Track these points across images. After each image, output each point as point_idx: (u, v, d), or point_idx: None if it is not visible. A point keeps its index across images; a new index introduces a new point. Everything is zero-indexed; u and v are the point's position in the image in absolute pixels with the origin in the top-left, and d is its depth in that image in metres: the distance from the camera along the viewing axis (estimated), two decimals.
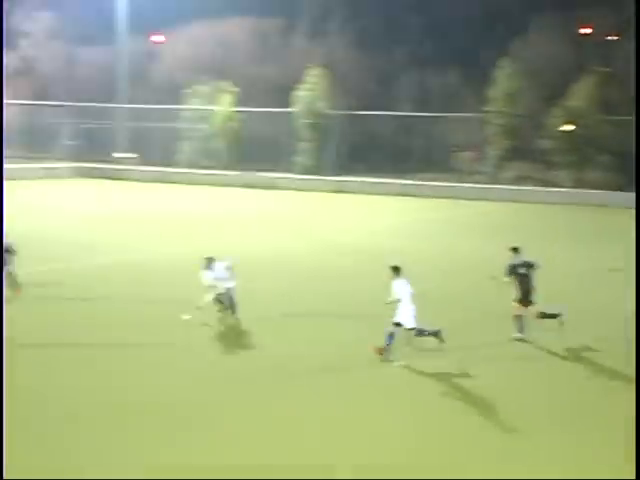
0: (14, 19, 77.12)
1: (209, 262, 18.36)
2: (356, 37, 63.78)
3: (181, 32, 69.94)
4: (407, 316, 15.87)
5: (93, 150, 62.16)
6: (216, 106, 58.66)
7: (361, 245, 30.52)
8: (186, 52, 68.28)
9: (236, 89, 58.37)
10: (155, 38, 73.47)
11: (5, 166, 55.65)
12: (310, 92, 56.17)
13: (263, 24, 68.08)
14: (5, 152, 60.56)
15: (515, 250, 17.89)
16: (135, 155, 60.33)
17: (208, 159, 58.71)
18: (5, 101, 67.78)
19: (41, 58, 75.38)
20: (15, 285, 19.99)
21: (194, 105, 59.61)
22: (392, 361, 15.80)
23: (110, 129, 64.04)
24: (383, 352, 15.97)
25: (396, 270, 16.24)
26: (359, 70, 62.46)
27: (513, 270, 17.58)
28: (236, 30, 68.25)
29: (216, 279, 18.22)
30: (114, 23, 63.33)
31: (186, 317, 18.08)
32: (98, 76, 68.42)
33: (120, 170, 58.08)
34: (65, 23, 71.63)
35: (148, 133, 61.80)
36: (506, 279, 17.67)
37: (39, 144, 63.02)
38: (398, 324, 15.84)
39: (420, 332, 16.33)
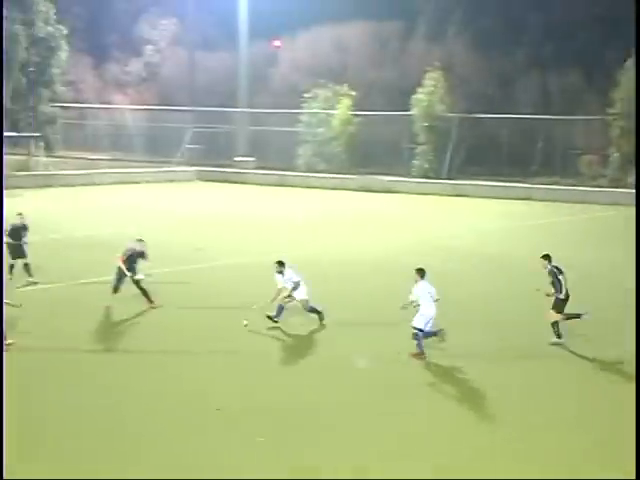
0: (139, 27, 79.25)
1: (280, 266, 18.40)
2: (475, 39, 62.93)
3: (301, 36, 70.47)
4: (419, 318, 16.15)
5: (214, 154, 63.24)
6: (334, 110, 58.88)
7: (472, 249, 30.14)
8: (305, 56, 68.73)
9: (354, 93, 58.48)
10: (275, 43, 74.30)
11: (129, 170, 57.42)
12: (428, 95, 55.75)
13: (382, 28, 67.92)
14: (125, 156, 62.35)
15: (547, 257, 17.59)
16: (254, 158, 61.09)
17: (325, 163, 58.96)
18: (131, 106, 69.78)
19: (164, 64, 77.18)
20: (146, 294, 19.85)
21: (313, 109, 59.94)
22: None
23: (230, 133, 65.04)
24: (421, 356, 16.24)
25: (420, 272, 16.54)
26: (478, 72, 61.61)
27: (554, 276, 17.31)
28: (355, 34, 68.33)
29: (287, 282, 18.22)
30: (235, 29, 64.30)
31: (245, 322, 18.16)
32: (220, 81, 69.59)
33: (239, 173, 58.87)
34: (188, 29, 73.08)
35: (267, 137, 62.48)
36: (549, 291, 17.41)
37: (162, 148, 64.48)
38: (418, 328, 16.18)
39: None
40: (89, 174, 54.68)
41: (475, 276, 25.27)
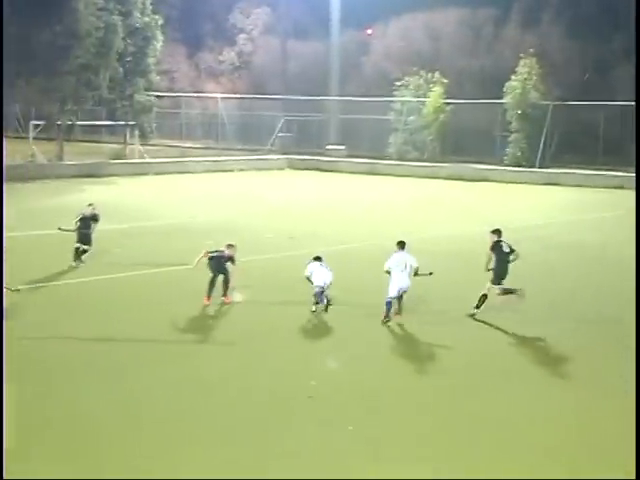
0: (233, 16, 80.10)
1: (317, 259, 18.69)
2: (571, 25, 61.86)
3: (392, 24, 70.30)
4: (392, 287, 17.25)
5: (305, 142, 63.63)
6: (426, 98, 58.62)
7: (565, 238, 29.78)
8: (397, 44, 68.57)
9: (446, 80, 58.14)
10: (367, 31, 74.27)
11: (221, 158, 58.17)
12: (522, 82, 55.08)
13: (475, 15, 67.35)
14: (214, 144, 63.05)
15: (496, 232, 18.39)
16: (344, 147, 61.25)
17: (416, 151, 58.80)
18: (223, 95, 70.55)
19: (257, 53, 77.85)
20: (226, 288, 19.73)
21: (404, 97, 59.78)
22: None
23: (321, 121, 65.30)
24: (385, 319, 17.48)
25: (400, 244, 17.68)
26: (573, 59, 60.60)
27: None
28: (447, 21, 67.89)
29: (314, 272, 18.37)
30: (327, 17, 64.50)
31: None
32: (311, 69, 69.92)
33: (330, 162, 59.08)
34: (280, 18, 73.58)
35: (358, 125, 62.56)
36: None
37: (253, 136, 65.12)
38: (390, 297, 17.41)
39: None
40: (182, 162, 55.55)
41: (572, 266, 25.03)
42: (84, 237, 23.01)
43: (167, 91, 65.57)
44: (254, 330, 17.35)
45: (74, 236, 23.02)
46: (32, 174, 46.06)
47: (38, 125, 53.32)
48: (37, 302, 19.36)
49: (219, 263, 19.15)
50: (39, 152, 51.24)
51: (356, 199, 42.11)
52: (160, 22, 56.03)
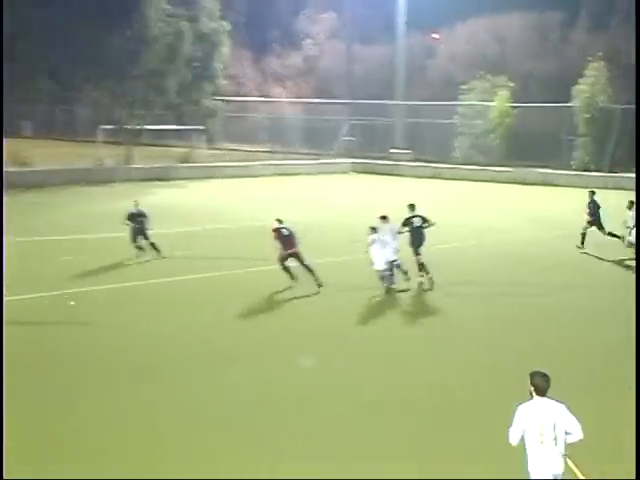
0: (299, 22, 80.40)
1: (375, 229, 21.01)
2: None
3: (458, 28, 69.86)
4: (377, 259, 19.55)
5: (370, 146, 63.52)
6: (491, 102, 58.14)
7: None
8: (463, 48, 68.10)
9: (512, 84, 57.61)
10: (433, 35, 73.93)
11: (287, 162, 58.37)
12: (590, 86, 54.32)
13: (542, 18, 66.55)
14: (274, 147, 63.21)
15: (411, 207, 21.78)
16: (409, 151, 61.02)
17: (482, 155, 58.31)
18: (289, 99, 70.78)
19: (323, 57, 77.99)
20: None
21: (470, 101, 59.36)
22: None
23: (387, 125, 65.12)
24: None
25: (383, 218, 20.63)
26: None
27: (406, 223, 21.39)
28: (513, 25, 67.17)
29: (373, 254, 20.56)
30: (393, 22, 64.34)
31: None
32: (376, 73, 69.81)
33: (395, 165, 58.89)
34: (346, 23, 73.62)
35: (423, 129, 62.23)
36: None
37: (319, 140, 65.20)
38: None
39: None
40: (249, 166, 55.82)
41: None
42: (138, 232, 24.36)
43: (234, 95, 65.89)
44: (326, 332, 17.37)
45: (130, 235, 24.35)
46: (101, 178, 46.72)
47: (107, 129, 54.08)
48: (110, 301, 19.65)
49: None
50: (108, 156, 51.95)
51: (422, 202, 41.73)
52: (227, 28, 56.44)
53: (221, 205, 38.47)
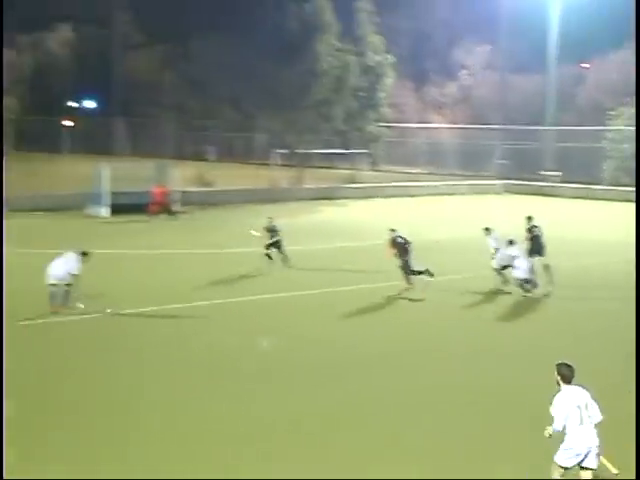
0: (455, 53, 79.95)
1: (488, 231, 23.10)
2: None
3: (607, 57, 67.77)
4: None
5: (521, 168, 62.46)
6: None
7: None
8: (611, 75, 66.00)
9: None
10: (584, 65, 72.07)
11: (443, 183, 58.01)
12: None
13: None
14: (431, 170, 62.91)
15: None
16: (559, 173, 59.66)
17: (629, 177, 56.26)
18: (446, 125, 70.41)
19: (478, 87, 77.27)
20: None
21: (617, 126, 57.50)
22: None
23: (537, 149, 63.92)
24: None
25: (486, 230, 22.29)
26: None
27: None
28: None
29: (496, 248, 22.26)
30: (545, 52, 63.21)
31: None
32: (528, 101, 68.68)
33: (545, 187, 57.65)
34: (500, 54, 72.67)
35: (572, 152, 60.67)
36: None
37: (473, 163, 64.68)
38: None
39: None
40: (408, 186, 55.82)
41: None
42: (272, 244, 25.06)
43: (395, 122, 66.15)
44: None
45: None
46: (275, 197, 47.79)
47: (281, 153, 55.38)
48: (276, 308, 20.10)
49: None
50: (281, 177, 53.17)
51: (575, 221, 40.80)
52: (391, 60, 56.93)
53: (381, 222, 38.47)
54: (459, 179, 60.59)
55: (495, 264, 22.18)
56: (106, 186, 38.41)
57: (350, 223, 38.22)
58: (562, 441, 9.64)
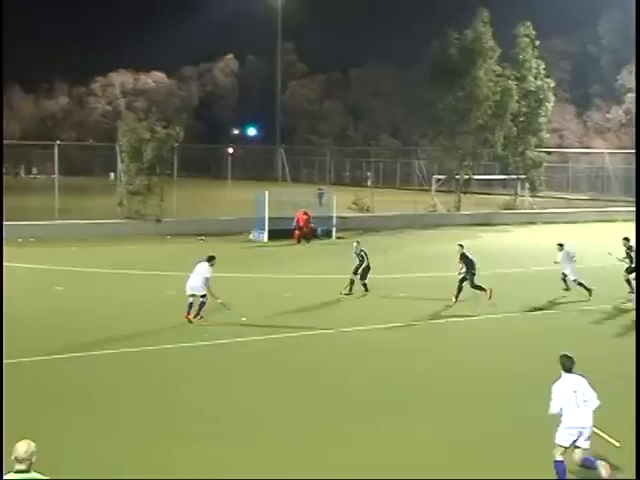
0: (621, 77, 77.49)
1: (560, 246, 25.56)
2: None
3: None
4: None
5: None
6: None
7: None
8: None
9: None
10: None
11: (606, 209, 56.07)
12: None
13: None
14: (595, 195, 60.82)
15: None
16: None
17: None
18: (610, 150, 68.15)
19: None
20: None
21: None
22: None
23: None
24: None
25: (560, 245, 24.61)
26: None
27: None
28: None
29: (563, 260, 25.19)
30: None
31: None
32: None
33: None
34: None
35: None
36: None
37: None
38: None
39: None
40: (568, 213, 54.39)
41: None
42: (358, 270, 24.98)
43: (556, 147, 64.74)
44: None
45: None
46: (433, 222, 47.63)
47: (439, 179, 55.20)
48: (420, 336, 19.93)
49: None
50: (439, 203, 52.93)
51: None
52: (552, 85, 55.85)
53: (541, 248, 37.66)
54: (622, 205, 58.41)
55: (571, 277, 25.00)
56: (266, 212, 39.32)
57: (510, 249, 37.56)
58: (560, 423, 10.72)
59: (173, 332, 19.20)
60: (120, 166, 42.65)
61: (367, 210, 49.74)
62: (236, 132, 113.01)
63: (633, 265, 24.65)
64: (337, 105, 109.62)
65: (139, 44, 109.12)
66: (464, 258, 23.59)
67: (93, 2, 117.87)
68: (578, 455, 10.75)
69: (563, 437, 10.72)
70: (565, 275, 25.36)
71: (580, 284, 24.57)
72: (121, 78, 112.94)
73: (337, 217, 42.01)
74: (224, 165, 53.96)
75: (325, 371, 16.41)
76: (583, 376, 10.86)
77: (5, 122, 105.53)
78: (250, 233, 39.47)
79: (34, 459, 7.65)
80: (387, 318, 21.22)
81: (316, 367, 16.72)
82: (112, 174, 46.01)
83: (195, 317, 20.08)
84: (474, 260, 23.66)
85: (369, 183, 65.15)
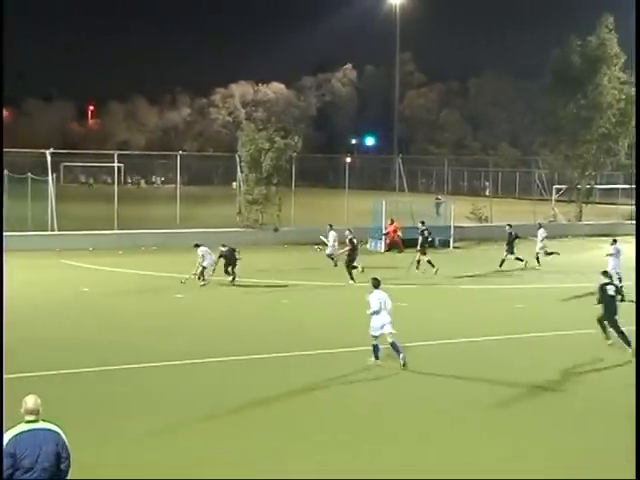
0: None
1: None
2: None
3: None
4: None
5: None
6: None
7: None
8: None
9: None
10: None
11: None
12: None
13: None
14: None
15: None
16: None
17: None
18: None
19: None
20: None
21: None
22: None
23: None
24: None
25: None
26: None
27: None
28: None
29: None
30: None
31: None
32: None
33: None
34: None
35: None
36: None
37: None
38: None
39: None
40: None
41: None
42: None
43: None
44: None
45: None
46: (554, 233, 46.53)
47: (560, 189, 54.02)
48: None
49: None
50: (560, 213, 51.77)
51: None
52: None
53: None
54: None
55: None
56: (383, 221, 39.32)
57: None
58: (369, 322, 16.68)
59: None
60: (240, 176, 43.50)
61: (485, 220, 49.11)
62: (354, 142, 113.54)
63: None
64: (455, 114, 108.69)
65: (259, 56, 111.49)
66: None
67: (215, 17, 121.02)
68: (388, 339, 16.67)
69: (374, 330, 16.70)
70: None
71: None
72: (241, 89, 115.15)
73: (455, 227, 41.69)
74: (341, 175, 54.36)
75: None
76: (385, 292, 17.05)
77: (130, 133, 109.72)
78: (367, 242, 39.52)
79: (41, 410, 8.26)
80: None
81: None
82: (234, 183, 46.88)
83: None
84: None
85: (487, 192, 64.31)
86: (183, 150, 63.02)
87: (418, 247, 31.34)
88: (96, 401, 14.42)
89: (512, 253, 32.51)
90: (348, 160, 59.95)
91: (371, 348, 16.80)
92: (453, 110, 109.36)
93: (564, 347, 19.41)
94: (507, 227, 33.63)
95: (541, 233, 34.40)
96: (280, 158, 42.27)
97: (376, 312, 16.60)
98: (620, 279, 25.55)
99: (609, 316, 18.61)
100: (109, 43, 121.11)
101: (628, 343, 18.19)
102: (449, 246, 40.46)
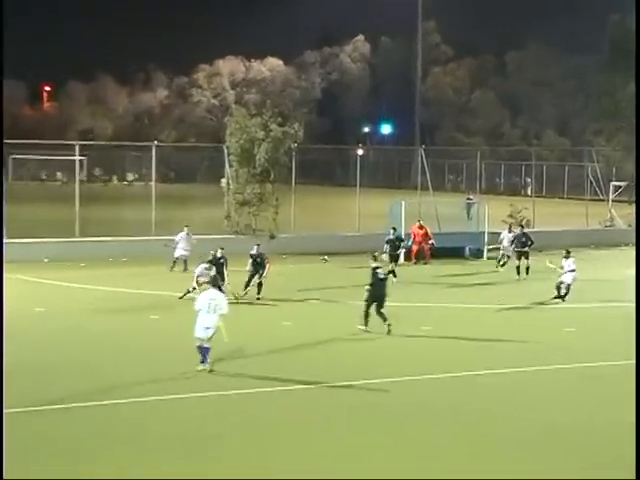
0: None
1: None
2: None
3: None
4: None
5: None
6: None
7: None
8: None
9: None
10: None
11: None
12: None
13: None
14: None
15: None
16: None
17: None
18: None
19: None
20: None
21: None
22: None
23: None
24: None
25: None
26: None
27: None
28: None
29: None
30: None
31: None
32: None
33: None
34: None
35: None
36: None
37: None
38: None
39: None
40: None
41: None
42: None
43: None
44: None
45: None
46: (609, 240, 46.45)
47: (618, 187, 53.86)
48: None
49: None
50: (618, 216, 51.57)
51: None
52: None
53: None
54: None
55: None
56: (402, 226, 39.09)
57: None
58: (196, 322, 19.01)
59: None
60: (228, 171, 43.41)
61: (527, 225, 49.02)
62: (366, 130, 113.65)
63: None
64: (490, 96, 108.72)
65: (251, 25, 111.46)
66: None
67: None
68: (202, 344, 18.94)
69: (199, 331, 18.98)
70: None
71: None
72: (230, 66, 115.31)
73: (489, 233, 41.48)
74: (352, 170, 54.30)
75: None
76: (221, 292, 21.29)
77: (95, 120, 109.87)
78: (383, 252, 39.36)
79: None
80: None
81: None
82: (223, 181, 46.71)
83: None
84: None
85: (529, 191, 64.29)
86: (159, 140, 63.03)
87: (387, 257, 33.41)
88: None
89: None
90: (360, 152, 59.88)
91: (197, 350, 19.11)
92: (487, 91, 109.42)
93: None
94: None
95: (570, 264, 29.16)
96: (277, 150, 42.20)
97: (202, 311, 19.14)
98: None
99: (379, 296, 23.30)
100: (68, 12, 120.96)
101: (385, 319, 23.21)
102: (482, 256, 40.33)
